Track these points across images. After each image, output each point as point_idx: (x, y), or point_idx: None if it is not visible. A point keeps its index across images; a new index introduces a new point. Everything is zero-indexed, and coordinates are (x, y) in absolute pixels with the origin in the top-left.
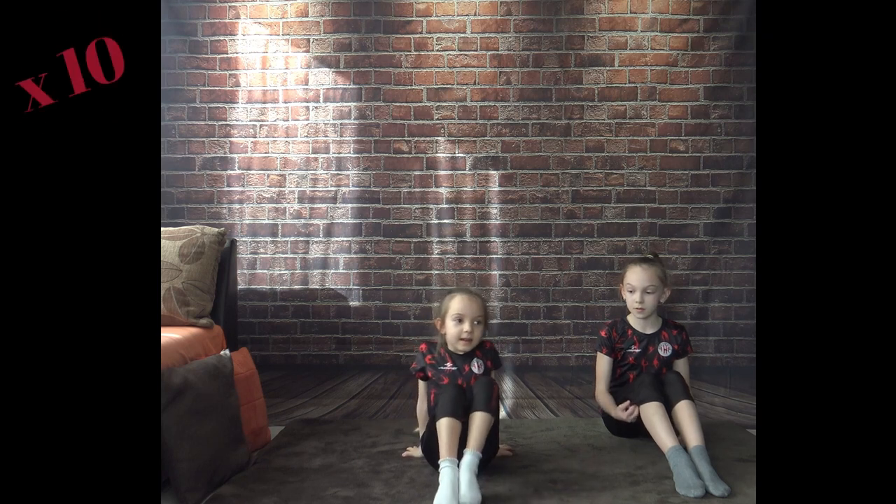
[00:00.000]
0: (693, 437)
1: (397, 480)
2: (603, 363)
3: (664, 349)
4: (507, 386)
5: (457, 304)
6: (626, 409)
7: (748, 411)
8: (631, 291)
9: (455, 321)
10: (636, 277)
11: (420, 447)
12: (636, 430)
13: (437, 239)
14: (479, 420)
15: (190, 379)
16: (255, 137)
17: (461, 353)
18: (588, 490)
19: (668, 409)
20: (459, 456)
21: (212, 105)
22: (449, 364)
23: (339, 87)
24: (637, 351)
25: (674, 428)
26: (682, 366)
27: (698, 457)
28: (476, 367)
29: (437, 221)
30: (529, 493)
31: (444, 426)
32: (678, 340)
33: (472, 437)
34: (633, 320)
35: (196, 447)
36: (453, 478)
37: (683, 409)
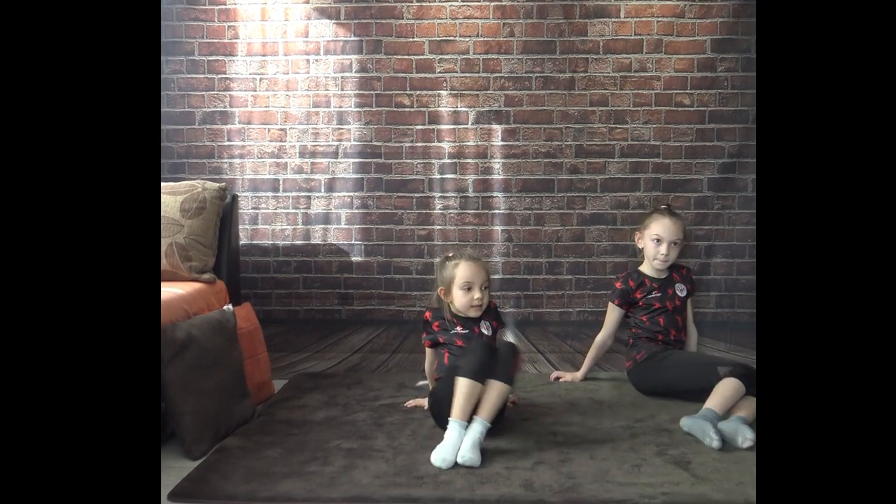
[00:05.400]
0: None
1: (399, 433)
2: (614, 314)
3: (680, 290)
4: (509, 340)
5: (464, 271)
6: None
7: None
8: (657, 241)
9: (464, 289)
10: (665, 229)
11: (428, 402)
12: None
13: (440, 194)
14: (496, 390)
15: (194, 333)
16: (255, 91)
17: (472, 317)
18: (588, 442)
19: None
20: (470, 420)
21: (210, 58)
22: (459, 328)
23: (339, 39)
24: (659, 295)
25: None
26: (688, 306)
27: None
28: (485, 328)
29: (439, 176)
30: (530, 445)
31: (464, 388)
32: (688, 280)
33: (485, 406)
34: (646, 268)
35: (201, 401)
36: (457, 438)
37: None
